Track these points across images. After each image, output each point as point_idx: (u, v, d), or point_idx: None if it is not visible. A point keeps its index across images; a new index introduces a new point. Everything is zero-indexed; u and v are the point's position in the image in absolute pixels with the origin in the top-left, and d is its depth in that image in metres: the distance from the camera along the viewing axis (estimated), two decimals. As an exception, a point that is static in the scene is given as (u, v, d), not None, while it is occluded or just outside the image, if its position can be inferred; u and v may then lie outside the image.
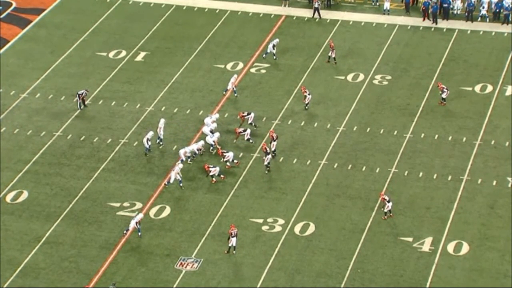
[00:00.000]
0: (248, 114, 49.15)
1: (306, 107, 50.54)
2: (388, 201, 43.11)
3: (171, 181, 45.40)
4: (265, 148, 45.84)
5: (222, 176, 45.78)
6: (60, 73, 54.89)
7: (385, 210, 43.28)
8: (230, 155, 46.52)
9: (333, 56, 54.19)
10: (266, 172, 45.87)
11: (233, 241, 41.42)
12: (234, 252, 41.58)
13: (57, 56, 56.44)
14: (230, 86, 51.81)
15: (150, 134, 47.74)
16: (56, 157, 48.13)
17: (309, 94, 50.48)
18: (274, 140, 46.70)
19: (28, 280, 40.85)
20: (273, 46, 54.71)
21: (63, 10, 61.46)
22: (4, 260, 41.92)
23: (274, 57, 54.84)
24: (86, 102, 51.59)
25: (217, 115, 49.31)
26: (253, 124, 49.04)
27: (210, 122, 48.61)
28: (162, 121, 48.56)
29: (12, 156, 48.31)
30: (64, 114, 51.28)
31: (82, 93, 51.27)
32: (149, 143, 47.61)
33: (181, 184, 45.47)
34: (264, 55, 55.01)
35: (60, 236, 43.15)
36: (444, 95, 50.26)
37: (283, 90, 52.66)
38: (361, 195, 44.89)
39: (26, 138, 49.67)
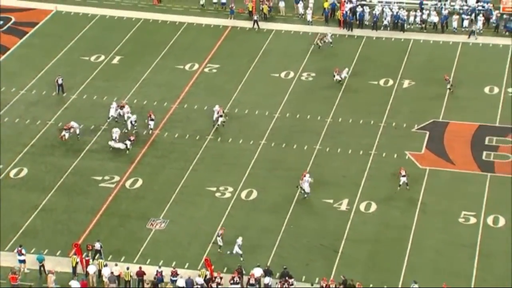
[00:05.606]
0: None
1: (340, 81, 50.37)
2: (403, 176, 41.74)
3: (307, 191, 41.54)
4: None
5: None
6: (52, 73, 53.28)
7: (400, 183, 41.69)
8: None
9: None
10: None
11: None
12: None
13: (49, 59, 54.79)
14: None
15: (134, 117, 46.88)
16: (50, 141, 46.81)
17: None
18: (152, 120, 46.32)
19: (28, 239, 39.80)
20: (330, 36, 54.81)
21: (54, 23, 59.73)
22: (8, 224, 40.86)
23: (331, 45, 54.74)
24: (64, 90, 50.07)
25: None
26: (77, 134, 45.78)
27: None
28: (114, 104, 47.77)
29: (13, 140, 46.88)
30: (55, 106, 49.85)
31: (57, 79, 49.94)
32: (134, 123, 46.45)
33: (305, 196, 41.62)
34: (319, 43, 54.43)
35: (54, 204, 42.10)
36: (448, 85, 49.58)
37: (231, 85, 51.89)
38: (293, 167, 44.46)
39: (24, 126, 48.19)
